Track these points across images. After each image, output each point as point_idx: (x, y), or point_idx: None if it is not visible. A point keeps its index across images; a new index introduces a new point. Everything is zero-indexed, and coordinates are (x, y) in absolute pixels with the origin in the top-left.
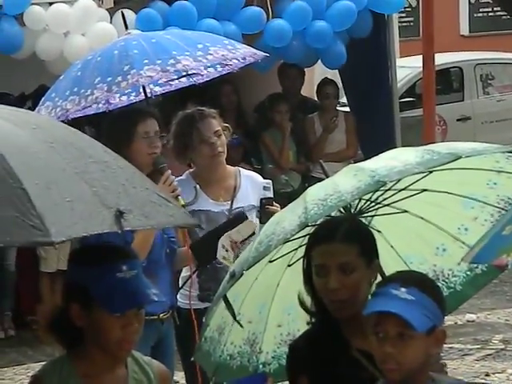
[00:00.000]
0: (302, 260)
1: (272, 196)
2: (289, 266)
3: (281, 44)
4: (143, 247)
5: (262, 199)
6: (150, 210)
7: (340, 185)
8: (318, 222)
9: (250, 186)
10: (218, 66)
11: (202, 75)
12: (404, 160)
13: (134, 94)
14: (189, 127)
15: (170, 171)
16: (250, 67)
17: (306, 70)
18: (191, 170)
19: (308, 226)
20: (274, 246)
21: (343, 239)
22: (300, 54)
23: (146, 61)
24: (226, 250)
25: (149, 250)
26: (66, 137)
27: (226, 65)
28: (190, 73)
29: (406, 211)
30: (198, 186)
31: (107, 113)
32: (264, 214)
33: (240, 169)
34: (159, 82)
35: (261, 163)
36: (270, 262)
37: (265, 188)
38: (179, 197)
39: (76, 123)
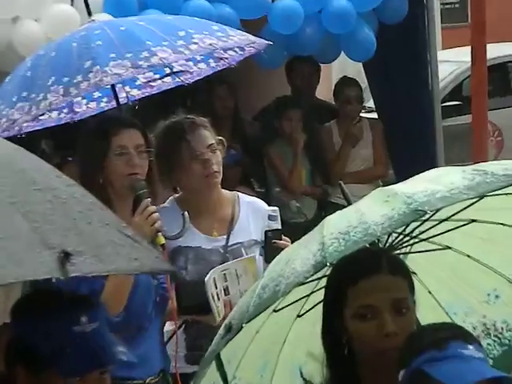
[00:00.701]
0: (316, 308)
1: (280, 227)
2: (299, 316)
3: (290, 30)
4: (117, 297)
5: (266, 231)
6: (107, 252)
7: (367, 214)
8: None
9: (252, 215)
10: (210, 60)
11: (192, 73)
12: (448, 183)
13: (105, 99)
14: (175, 140)
15: (149, 199)
16: (251, 62)
17: (321, 65)
18: (177, 195)
19: (326, 266)
20: (282, 292)
21: (394, 270)
22: (315, 43)
23: (113, 55)
24: (217, 294)
25: (126, 300)
26: (3, 156)
27: (221, 58)
28: (175, 70)
29: (448, 247)
30: (186, 214)
31: (73, 125)
32: (270, 250)
33: (239, 194)
34: (137, 82)
35: (265, 186)
36: (275, 311)
37: (270, 217)
38: (159, 233)
39: (30, 136)
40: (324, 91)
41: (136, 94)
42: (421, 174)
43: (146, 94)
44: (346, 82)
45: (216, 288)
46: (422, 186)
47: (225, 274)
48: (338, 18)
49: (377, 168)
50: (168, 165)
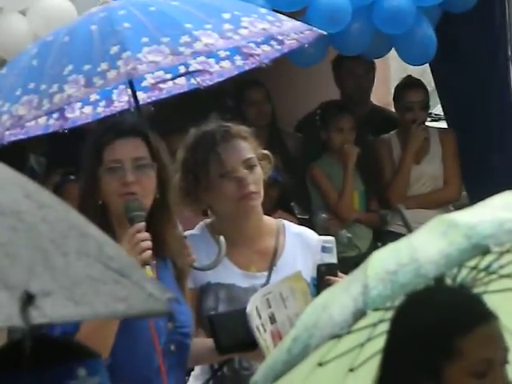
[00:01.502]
0: (373, 360)
1: (335, 261)
2: (351, 370)
3: (334, 28)
4: (97, 340)
5: (319, 266)
6: (83, 291)
7: (420, 249)
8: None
9: (300, 249)
10: (236, 57)
11: (211, 73)
12: None
13: (103, 102)
14: (204, 153)
15: (143, 224)
16: (286, 61)
17: (376, 62)
18: (208, 220)
19: (365, 314)
20: (315, 346)
21: (494, 317)
22: (364, 42)
23: (145, 39)
24: (262, 325)
25: (110, 345)
26: None
27: (251, 55)
28: (191, 69)
29: None
30: (222, 239)
31: (70, 134)
32: (323, 288)
33: (285, 223)
34: (143, 84)
35: (308, 211)
36: (320, 364)
37: (324, 249)
38: (148, 266)
39: (17, 149)
40: (381, 95)
41: (141, 97)
42: (495, 198)
43: (153, 99)
44: (408, 84)
45: (260, 318)
46: (490, 214)
47: (268, 300)
48: (392, 14)
49: (448, 189)
50: (194, 182)
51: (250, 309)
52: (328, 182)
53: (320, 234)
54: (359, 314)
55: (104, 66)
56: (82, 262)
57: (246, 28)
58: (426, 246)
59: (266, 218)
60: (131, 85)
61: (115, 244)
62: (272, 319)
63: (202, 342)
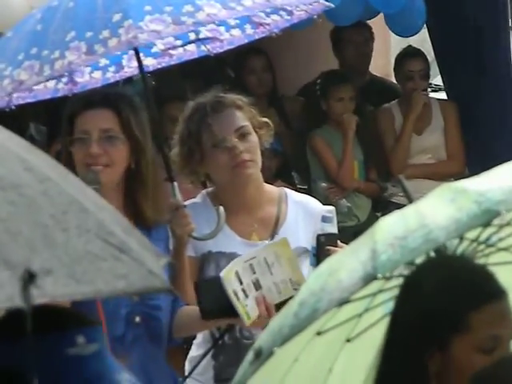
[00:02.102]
0: (370, 331)
1: (335, 231)
2: (348, 341)
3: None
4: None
5: (319, 236)
6: (85, 269)
7: (428, 215)
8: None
9: (303, 217)
10: (246, 25)
11: (222, 41)
12: None
13: (112, 68)
14: (196, 124)
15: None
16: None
17: (375, 34)
18: (210, 189)
19: (376, 279)
20: (324, 310)
21: (507, 294)
22: (355, 15)
23: (148, 7)
24: (243, 290)
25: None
26: None
27: (261, 24)
28: (201, 37)
29: None
30: (221, 209)
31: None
32: (323, 258)
33: (287, 191)
34: (153, 50)
35: (308, 181)
36: (319, 334)
37: (324, 219)
38: None
39: (16, 116)
40: (381, 66)
41: (151, 63)
42: (499, 167)
43: (163, 65)
44: (409, 54)
45: (241, 284)
46: (498, 182)
47: (251, 265)
48: None
49: (452, 162)
50: (189, 155)
51: (225, 273)
52: (328, 151)
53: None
54: (369, 279)
55: (106, 33)
56: (82, 238)
57: None
58: (434, 212)
59: (268, 186)
60: (137, 52)
61: (114, 213)
62: (256, 285)
63: (193, 310)
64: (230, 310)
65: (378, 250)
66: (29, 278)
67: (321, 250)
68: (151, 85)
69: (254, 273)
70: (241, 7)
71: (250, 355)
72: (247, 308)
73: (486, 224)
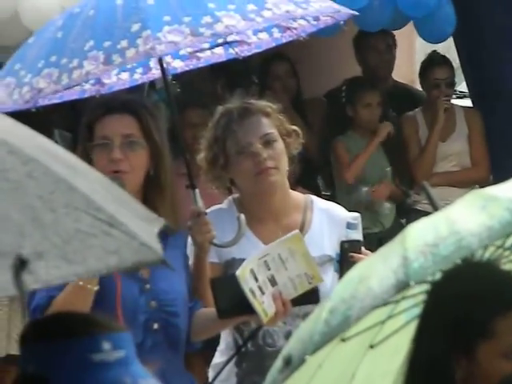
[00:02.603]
0: (393, 338)
1: (360, 238)
2: (371, 347)
3: (354, 5)
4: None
5: (343, 242)
6: (75, 248)
7: (459, 222)
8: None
9: (328, 225)
10: (274, 29)
11: (249, 44)
12: None
13: (140, 69)
14: (222, 130)
15: None
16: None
17: (400, 40)
18: (236, 195)
19: (409, 286)
20: (356, 318)
21: None
22: (384, 19)
23: (167, 18)
24: (259, 288)
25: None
26: None
27: (288, 28)
28: (229, 40)
29: None
30: (242, 217)
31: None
32: (346, 265)
33: (313, 198)
34: (181, 52)
35: (332, 187)
36: (343, 340)
37: (349, 226)
38: None
39: (41, 122)
40: (405, 72)
41: (179, 65)
42: None
43: (191, 67)
44: (434, 61)
45: (257, 281)
46: None
47: (266, 262)
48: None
49: (476, 170)
50: (214, 160)
51: (241, 271)
52: (346, 158)
53: (363, 208)
54: (402, 286)
55: (124, 43)
56: (71, 216)
57: (269, 10)
58: (465, 219)
59: (294, 193)
60: (160, 60)
61: (106, 184)
62: (272, 281)
63: (210, 311)
64: (246, 308)
65: (410, 258)
66: (20, 265)
67: (344, 256)
68: (176, 92)
69: (269, 269)
70: (260, 18)
71: (278, 363)
72: (264, 305)
73: None
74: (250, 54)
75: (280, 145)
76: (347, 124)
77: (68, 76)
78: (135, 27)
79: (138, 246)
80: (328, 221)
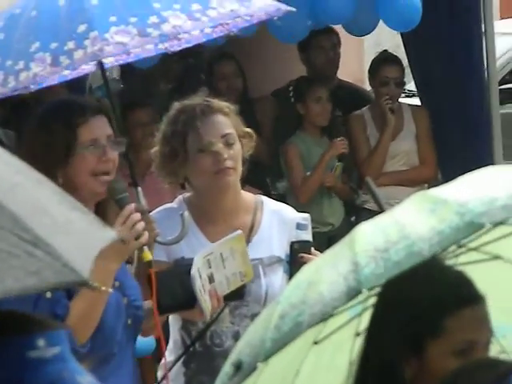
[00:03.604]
0: (336, 335)
1: (310, 239)
2: (315, 343)
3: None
4: (87, 323)
5: (293, 243)
6: None
7: (408, 226)
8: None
9: (277, 226)
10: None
11: (179, 39)
12: (510, 187)
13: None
14: (183, 126)
15: (133, 205)
16: (261, 33)
17: (349, 39)
18: (187, 194)
19: (361, 293)
20: (307, 325)
21: (484, 299)
22: (347, 10)
23: (113, 18)
24: (202, 286)
25: (95, 327)
26: None
27: (220, 24)
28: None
29: (498, 257)
30: (186, 214)
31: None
32: (296, 266)
33: (264, 199)
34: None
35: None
36: (316, 343)
37: (299, 226)
38: (145, 248)
39: None
40: (354, 70)
41: (109, 61)
42: (472, 174)
43: (121, 62)
44: (385, 59)
45: (201, 278)
46: (477, 192)
47: (209, 260)
48: None
49: (424, 168)
50: (172, 156)
51: (194, 271)
52: (298, 164)
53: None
54: (353, 293)
55: (71, 44)
56: None
57: (214, 9)
58: (414, 223)
59: (245, 193)
60: (100, 62)
61: (55, 192)
62: (211, 279)
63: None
64: (185, 303)
65: (360, 263)
66: None
67: (294, 257)
68: (119, 88)
69: (210, 267)
70: (206, 18)
71: (227, 368)
72: (206, 303)
73: (469, 236)
74: (179, 48)
75: (238, 146)
76: (297, 124)
77: (15, 78)
78: (81, 28)
79: (61, 267)
80: (278, 222)
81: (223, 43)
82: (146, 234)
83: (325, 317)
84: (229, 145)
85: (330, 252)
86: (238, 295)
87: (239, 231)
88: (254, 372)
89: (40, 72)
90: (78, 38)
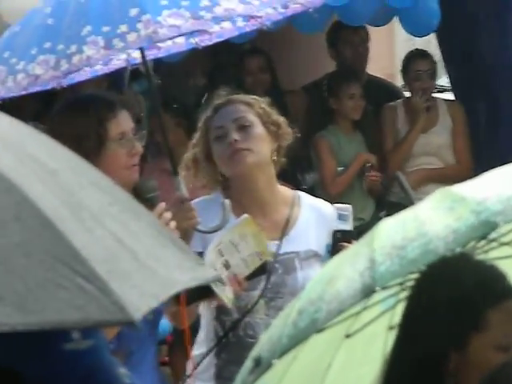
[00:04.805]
0: (367, 328)
1: (351, 228)
2: (347, 336)
3: (338, 1)
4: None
5: (335, 232)
6: (37, 297)
7: (426, 223)
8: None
9: (315, 221)
10: (238, 17)
11: (210, 34)
12: None
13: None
14: (203, 127)
15: (163, 204)
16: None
17: (380, 34)
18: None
19: (375, 291)
20: (322, 322)
21: None
22: (368, 12)
23: (165, 1)
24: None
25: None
26: None
27: (252, 17)
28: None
29: None
30: (227, 202)
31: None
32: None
33: (301, 194)
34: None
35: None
36: (318, 331)
37: (341, 217)
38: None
39: (15, 111)
40: (385, 66)
41: (139, 56)
42: (496, 171)
43: (151, 57)
44: (416, 55)
45: (216, 270)
46: (497, 188)
47: (219, 250)
48: None
49: (460, 165)
50: (202, 155)
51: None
52: (330, 158)
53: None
54: (368, 291)
55: (124, 28)
56: (45, 264)
57: None
58: (432, 220)
59: (282, 188)
60: (142, 51)
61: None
62: (226, 265)
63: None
64: (206, 292)
65: (377, 260)
66: None
67: (337, 246)
68: (157, 83)
69: (223, 255)
70: (257, 1)
71: (248, 363)
72: (225, 292)
73: (484, 236)
74: (210, 43)
75: (257, 129)
76: (329, 118)
77: (67, 61)
78: (133, 12)
79: (109, 304)
80: (316, 217)
81: (253, 38)
82: (177, 232)
83: (340, 314)
84: (243, 127)
85: (352, 248)
86: (260, 272)
87: (245, 215)
88: (269, 369)
89: (94, 55)
90: (130, 22)
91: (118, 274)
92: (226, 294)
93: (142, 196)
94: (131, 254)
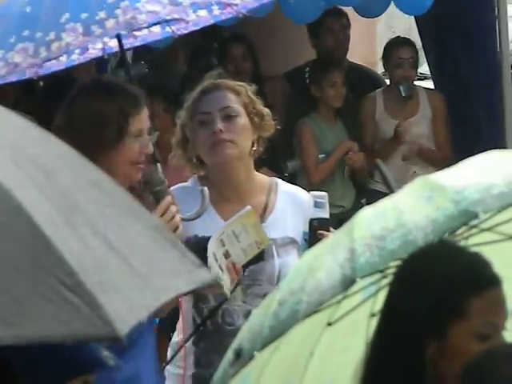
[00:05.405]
0: (348, 317)
1: (328, 216)
2: (329, 324)
3: None
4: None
5: (312, 220)
6: (23, 310)
7: (406, 212)
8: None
9: (291, 208)
10: (214, 6)
11: (187, 22)
12: (508, 174)
13: (77, 50)
14: (190, 108)
15: (170, 197)
16: (275, 15)
17: (361, 22)
18: (202, 173)
19: (355, 282)
20: (304, 314)
21: (502, 282)
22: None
23: None
24: (219, 267)
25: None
26: None
27: (228, 5)
28: (167, 18)
29: None
30: (206, 190)
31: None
32: (315, 243)
33: (278, 181)
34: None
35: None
36: (330, 324)
37: (317, 204)
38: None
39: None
40: (366, 54)
41: (115, 45)
42: (475, 159)
43: (127, 47)
44: (398, 42)
45: (217, 261)
46: (475, 178)
47: (222, 240)
48: None
49: (441, 151)
50: (183, 138)
51: (210, 258)
52: (312, 146)
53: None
54: (348, 282)
55: (102, 14)
56: (32, 276)
57: None
58: (411, 209)
59: (259, 175)
60: (119, 39)
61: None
62: (226, 255)
63: None
64: None
65: (356, 251)
66: None
67: (313, 234)
68: (144, 72)
69: (224, 245)
70: None
71: (229, 354)
72: (226, 282)
73: (464, 225)
74: (186, 32)
75: (242, 120)
76: (311, 105)
77: (46, 49)
78: None
79: (95, 318)
80: (292, 204)
81: (234, 24)
82: (180, 228)
83: (321, 305)
84: (228, 117)
85: (332, 237)
86: (257, 259)
87: (248, 207)
88: (251, 360)
89: (72, 41)
90: (108, 8)
91: (109, 286)
92: (228, 285)
93: (149, 189)
94: (124, 262)
